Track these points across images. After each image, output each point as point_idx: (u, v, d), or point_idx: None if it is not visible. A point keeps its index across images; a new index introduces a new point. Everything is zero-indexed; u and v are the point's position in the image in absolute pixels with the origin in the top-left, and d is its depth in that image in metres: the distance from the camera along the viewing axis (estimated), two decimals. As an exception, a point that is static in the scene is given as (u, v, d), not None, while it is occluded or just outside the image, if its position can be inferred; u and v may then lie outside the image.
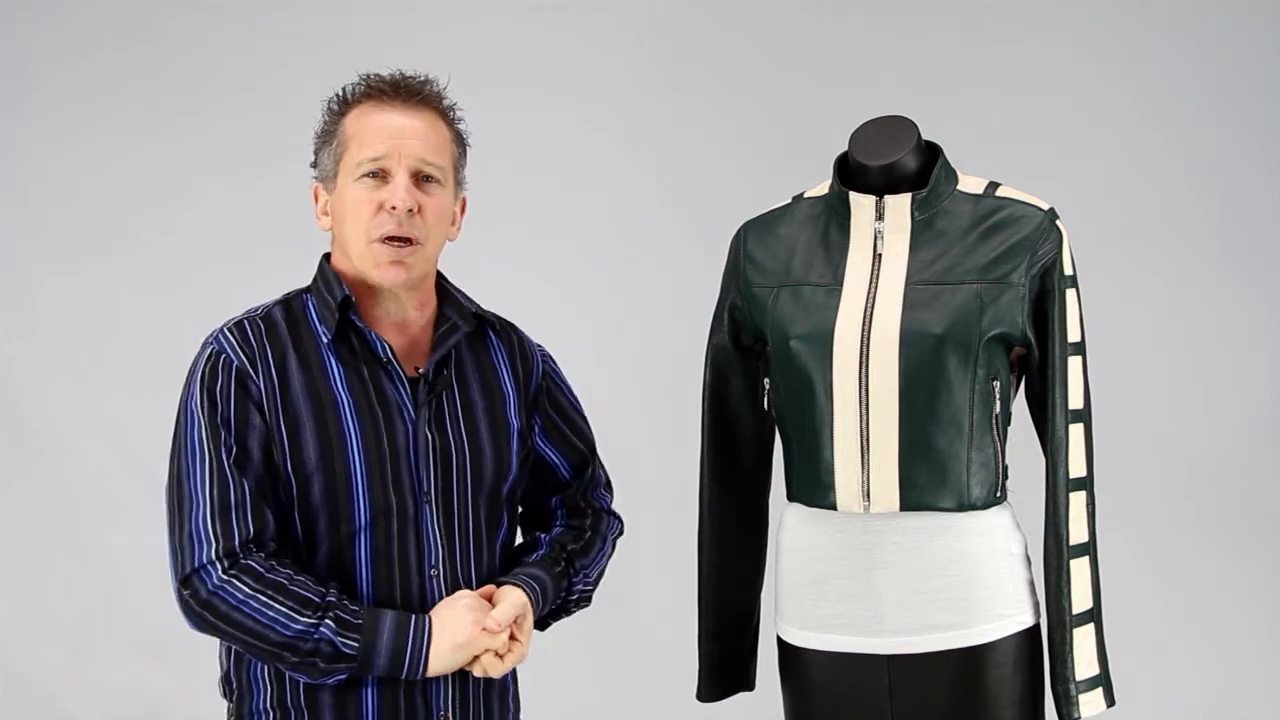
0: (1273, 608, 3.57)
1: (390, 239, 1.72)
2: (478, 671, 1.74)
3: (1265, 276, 3.58)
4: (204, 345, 1.73)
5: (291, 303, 1.78)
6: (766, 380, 2.04)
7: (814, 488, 1.95)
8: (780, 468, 2.07)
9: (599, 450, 2.04)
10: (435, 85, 1.79)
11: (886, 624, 1.92)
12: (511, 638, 1.74)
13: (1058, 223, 1.95)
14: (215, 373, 1.69)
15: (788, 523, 2.03)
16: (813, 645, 1.98)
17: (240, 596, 1.62)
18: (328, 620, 1.64)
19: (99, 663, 3.61)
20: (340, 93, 1.78)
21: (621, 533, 2.04)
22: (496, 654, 1.73)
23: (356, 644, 1.64)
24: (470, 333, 1.85)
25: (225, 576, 1.63)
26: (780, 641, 2.05)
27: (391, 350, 1.75)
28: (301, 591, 1.64)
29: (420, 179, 1.74)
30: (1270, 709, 3.50)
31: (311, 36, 3.61)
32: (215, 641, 1.73)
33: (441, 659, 1.69)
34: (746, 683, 2.19)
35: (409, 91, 1.75)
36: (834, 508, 1.93)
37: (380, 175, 1.72)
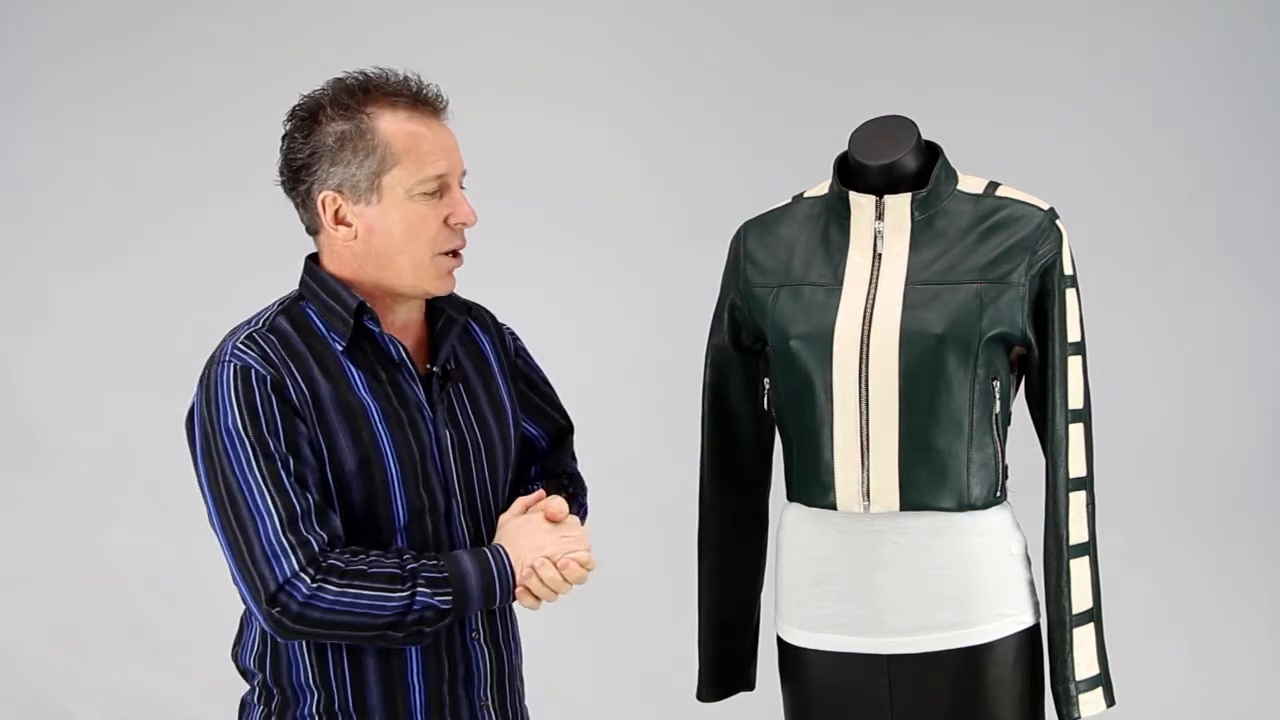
0: (1272, 608, 3.57)
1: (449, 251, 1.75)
2: (573, 577, 1.72)
3: (1265, 276, 3.58)
4: (218, 364, 1.67)
5: (290, 310, 1.75)
6: (766, 380, 2.04)
7: (814, 487, 1.95)
8: (780, 468, 2.07)
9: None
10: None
11: (886, 624, 1.92)
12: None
13: (1058, 222, 1.95)
14: (249, 387, 1.64)
15: (788, 523, 2.03)
16: (813, 645, 1.98)
17: (331, 597, 1.61)
18: (419, 587, 1.64)
19: (99, 663, 3.61)
20: (348, 98, 1.70)
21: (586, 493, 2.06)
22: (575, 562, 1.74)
23: (451, 597, 1.65)
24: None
25: (314, 585, 1.61)
26: (780, 641, 2.05)
27: (406, 351, 1.75)
28: (384, 570, 1.64)
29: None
30: (1270, 709, 3.50)
31: (312, 36, 3.60)
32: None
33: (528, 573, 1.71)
34: (746, 683, 2.19)
35: (439, 102, 1.75)
36: (834, 507, 1.93)
37: (437, 192, 1.73)
